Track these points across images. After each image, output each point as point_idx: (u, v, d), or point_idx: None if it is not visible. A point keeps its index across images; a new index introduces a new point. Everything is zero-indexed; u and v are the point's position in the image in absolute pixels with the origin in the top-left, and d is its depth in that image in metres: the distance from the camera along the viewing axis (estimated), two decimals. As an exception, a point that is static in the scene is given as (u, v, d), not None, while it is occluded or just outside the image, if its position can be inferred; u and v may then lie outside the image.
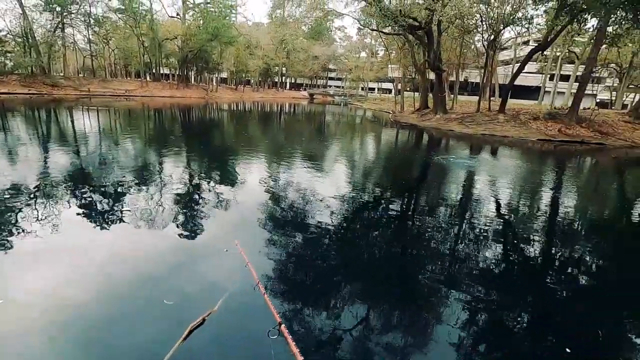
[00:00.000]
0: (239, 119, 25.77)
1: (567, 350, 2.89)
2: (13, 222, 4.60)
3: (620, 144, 18.36)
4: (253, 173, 8.29)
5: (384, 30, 26.97)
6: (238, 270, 3.71)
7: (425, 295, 3.60)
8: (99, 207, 5.36)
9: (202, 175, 7.97)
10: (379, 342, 2.82)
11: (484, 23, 23.60)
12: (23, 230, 4.34)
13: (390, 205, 6.67)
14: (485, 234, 5.31)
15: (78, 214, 5.00)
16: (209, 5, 45.50)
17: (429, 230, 5.42)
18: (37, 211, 4.99)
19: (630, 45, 27.24)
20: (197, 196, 6.21)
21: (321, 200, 6.29)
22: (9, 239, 4.12)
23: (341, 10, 39.21)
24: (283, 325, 2.70)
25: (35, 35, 36.69)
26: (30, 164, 7.84)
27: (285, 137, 17.44)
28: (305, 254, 4.33)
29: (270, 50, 59.75)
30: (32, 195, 5.63)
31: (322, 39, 71.77)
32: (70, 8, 37.70)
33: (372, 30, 30.08)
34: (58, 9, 36.42)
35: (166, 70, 53.34)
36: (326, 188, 7.20)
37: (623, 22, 18.96)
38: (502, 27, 22.86)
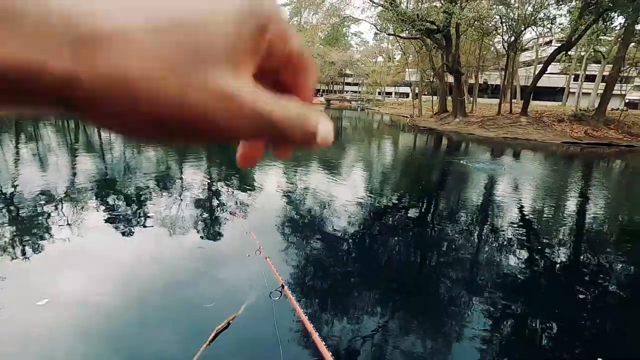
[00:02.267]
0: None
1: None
2: (42, 226, 4.82)
3: (653, 146, 17.56)
4: (271, 179, 8.38)
5: (401, 35, 26.89)
6: (261, 274, 3.76)
7: (445, 302, 3.54)
8: (124, 212, 5.55)
9: (223, 182, 8.12)
10: (407, 353, 2.79)
11: (503, 24, 23.19)
12: (57, 235, 4.54)
13: (410, 211, 6.60)
14: (507, 241, 5.17)
15: (105, 219, 5.19)
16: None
17: (448, 235, 5.33)
18: (66, 216, 5.21)
19: (660, 42, 26.10)
20: (218, 202, 6.33)
21: (341, 206, 6.29)
22: (42, 242, 4.32)
23: (358, 16, 39.38)
24: (286, 287, 2.65)
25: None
26: (61, 169, 8.21)
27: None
28: (326, 259, 4.34)
29: (287, 57, 60.46)
30: (63, 200, 5.89)
31: (338, 45, 72.21)
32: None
33: (389, 34, 30.04)
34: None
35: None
36: (346, 193, 7.20)
37: (653, 19, 18.24)
38: (523, 28, 22.40)
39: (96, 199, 6.16)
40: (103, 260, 3.99)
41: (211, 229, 5.07)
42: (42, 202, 5.79)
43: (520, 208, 6.92)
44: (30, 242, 4.33)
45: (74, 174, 7.99)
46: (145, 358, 2.64)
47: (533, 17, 21.07)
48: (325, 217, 5.79)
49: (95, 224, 4.98)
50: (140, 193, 6.58)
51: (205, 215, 5.57)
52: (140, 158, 10.41)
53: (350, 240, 4.87)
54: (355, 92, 78.52)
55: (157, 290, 3.43)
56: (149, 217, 5.33)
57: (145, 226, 4.99)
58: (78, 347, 2.70)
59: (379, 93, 68.94)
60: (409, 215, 6.34)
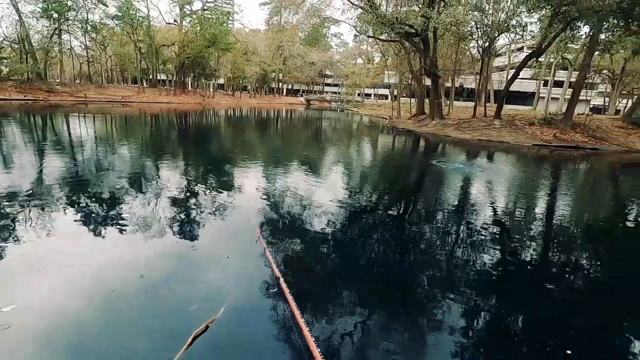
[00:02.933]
0: (236, 125, 25.80)
1: (568, 352, 2.90)
2: (11, 229, 4.56)
3: (614, 149, 18.57)
4: (251, 180, 8.28)
5: (380, 37, 27.22)
6: (240, 276, 3.70)
7: (420, 299, 3.60)
8: (98, 214, 5.33)
9: (200, 182, 7.95)
10: (380, 349, 2.81)
11: (478, 30, 23.91)
12: (24, 239, 4.30)
13: (388, 211, 6.69)
14: (481, 239, 5.33)
15: (78, 221, 4.97)
16: (206, 12, 45.82)
17: (425, 234, 5.44)
18: (35, 220, 4.95)
19: (622, 52, 27.72)
20: (196, 204, 6.19)
21: (319, 207, 6.29)
22: (8, 246, 4.08)
23: (338, 17, 39.57)
24: (282, 280, 2.61)
25: (32, 41, 36.70)
26: (26, 171, 7.79)
27: (282, 143, 17.47)
28: (304, 260, 4.32)
29: (267, 56, 60.08)
30: (30, 203, 5.59)
31: (318, 46, 72.37)
32: (67, 15, 37.72)
33: (369, 37, 30.33)
34: (55, 15, 36.43)
35: (163, 77, 53.38)
36: (324, 194, 7.21)
37: (615, 30, 19.31)
38: (496, 34, 23.16)
39: (71, 199, 5.89)
40: (77, 264, 3.82)
41: (192, 230, 4.95)
42: (12, 204, 5.48)
43: (493, 207, 7.15)
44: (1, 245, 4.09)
45: (41, 174, 7.61)
46: (118, 365, 2.54)
47: (506, 24, 21.84)
48: (301, 217, 5.78)
49: (68, 226, 4.75)
50: (116, 193, 6.35)
51: (188, 215, 5.43)
52: (114, 157, 10.05)
53: (327, 240, 4.88)
54: (335, 93, 78.89)
55: (137, 293, 3.31)
56: (123, 219, 5.14)
57: (121, 228, 4.81)
58: (45, 356, 2.57)
59: (359, 94, 69.56)
60: (388, 214, 6.41)
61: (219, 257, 4.15)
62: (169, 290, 3.40)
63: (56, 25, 37.67)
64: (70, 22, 39.22)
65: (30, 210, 5.22)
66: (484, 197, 8.08)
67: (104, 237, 4.53)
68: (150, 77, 49.45)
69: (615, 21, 18.22)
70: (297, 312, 2.96)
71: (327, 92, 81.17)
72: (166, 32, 46.19)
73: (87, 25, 40.27)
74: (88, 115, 22.80)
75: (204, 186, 7.42)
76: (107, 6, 40.37)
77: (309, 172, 9.53)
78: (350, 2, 23.75)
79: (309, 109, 56.85)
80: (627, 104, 37.83)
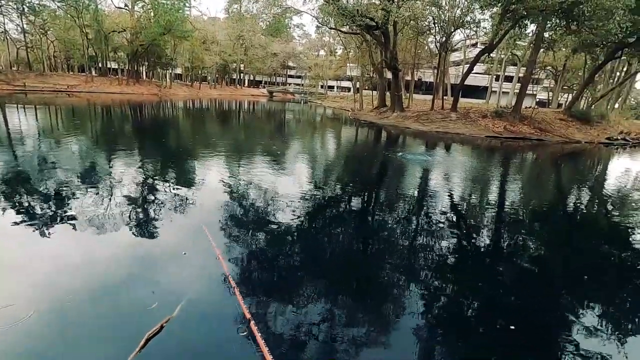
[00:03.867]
0: (195, 117, 24.83)
1: (512, 327, 3.12)
2: None
3: (557, 140, 20.13)
4: (211, 173, 8.02)
5: (342, 29, 27.29)
6: (197, 274, 3.59)
7: (388, 290, 3.71)
8: (42, 213, 4.91)
9: (158, 177, 7.57)
10: (346, 338, 2.85)
11: (436, 25, 24.73)
12: (-53, 241, 3.86)
13: (351, 202, 6.78)
14: (440, 225, 5.57)
15: (21, 222, 4.55)
16: (160, -3, 43.24)
17: (387, 223, 5.59)
18: (-35, 219, 4.46)
19: (564, 49, 29.93)
20: (152, 199, 5.90)
21: (282, 199, 6.24)
22: None
23: (299, 8, 39.17)
24: (252, 323, 2.62)
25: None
26: (-45, 167, 6.99)
27: (245, 135, 17.09)
28: (269, 253, 4.27)
29: (228, 46, 58.16)
30: (-43, 202, 5.02)
31: (280, 36, 71.16)
32: (-1, -6, 34.04)
33: (331, 28, 30.30)
34: (-15, -6, 32.74)
35: (114, 65, 49.92)
36: (287, 186, 7.16)
37: (557, 29, 20.78)
38: (452, 30, 24.08)
39: (11, 197, 5.36)
40: (22, 266, 3.49)
41: (150, 226, 4.70)
42: None
43: (449, 195, 7.49)
44: None
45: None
46: (63, 373, 2.36)
47: (461, 20, 22.77)
48: (265, 209, 5.70)
49: (10, 226, 4.33)
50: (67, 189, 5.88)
51: (145, 212, 5.15)
52: (59, 152, 9.31)
53: (285, 235, 4.86)
54: (298, 84, 78.29)
55: (87, 294, 3.09)
56: (71, 217, 4.78)
57: (69, 227, 4.47)
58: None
59: (322, 86, 69.56)
60: (350, 206, 6.50)
61: (174, 254, 3.99)
62: (122, 290, 3.21)
63: (-14, 6, 33.88)
64: (3, 2, 35.42)
65: (-43, 211, 4.69)
66: (441, 187, 8.44)
67: (50, 237, 4.18)
68: (100, 65, 46.08)
69: (557, 20, 19.60)
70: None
71: (290, 84, 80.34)
72: (116, 17, 43.07)
73: (24, 6, 36.57)
74: (28, 106, 20.85)
75: (158, 183, 7.07)
76: (47, -14, 36.90)
77: (271, 165, 9.41)
78: (312, -7, 23.52)
79: (272, 100, 56.00)
80: (567, 98, 41.10)
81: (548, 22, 19.95)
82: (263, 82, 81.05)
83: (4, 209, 4.88)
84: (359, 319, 3.11)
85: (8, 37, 42.12)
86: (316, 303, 3.28)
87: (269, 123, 23.72)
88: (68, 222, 4.61)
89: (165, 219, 4.98)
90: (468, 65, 26.47)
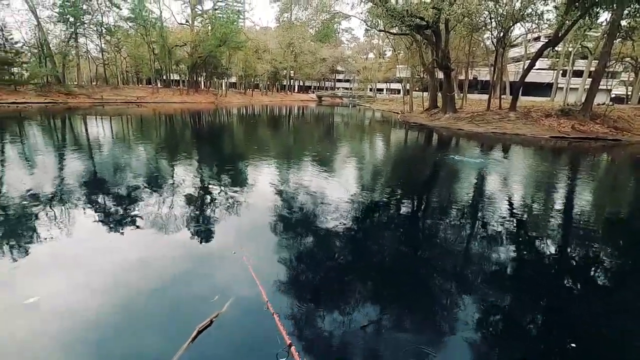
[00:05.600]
0: (248, 122, 25.97)
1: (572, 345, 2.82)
2: (31, 227, 4.72)
3: (637, 140, 17.87)
4: (263, 177, 8.32)
5: (391, 31, 26.89)
6: (245, 273, 3.74)
7: (440, 299, 3.56)
8: (115, 212, 5.47)
9: (214, 179, 8.05)
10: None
11: (492, 20, 23.36)
12: (42, 235, 4.45)
13: (401, 207, 6.62)
14: (495, 234, 5.23)
15: (92, 219, 5.11)
16: (217, 11, 46.15)
17: (440, 231, 5.36)
18: (54, 217, 5.11)
19: (645, 38, 26.55)
20: (208, 200, 6.28)
21: (330, 203, 6.28)
22: (28, 243, 4.23)
23: (348, 12, 39.40)
24: (293, 347, 2.64)
25: (50, 45, 37.73)
26: (47, 172, 8.04)
27: (295, 139, 17.50)
28: (317, 259, 4.33)
29: (278, 53, 60.18)
30: (49, 202, 5.77)
31: (329, 41, 71.97)
32: (83, 18, 38.65)
33: (379, 31, 30.02)
34: (71, 19, 37.37)
35: (176, 77, 54.16)
36: (336, 191, 7.19)
37: (637, 15, 18.52)
38: (511, 24, 22.57)
39: (88, 198, 6.06)
40: (93, 260, 3.93)
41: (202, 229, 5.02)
42: (31, 203, 5.68)
43: (509, 201, 6.99)
44: (20, 243, 4.24)
45: (72, 175, 7.84)
46: (127, 354, 2.60)
47: (521, 13, 21.23)
48: (313, 213, 5.78)
49: (85, 223, 4.90)
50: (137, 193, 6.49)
51: (198, 213, 5.52)
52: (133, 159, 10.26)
53: (337, 235, 4.87)
54: (347, 88, 78.45)
55: (146, 288, 3.38)
56: (138, 216, 5.26)
57: (135, 225, 4.92)
58: (56, 341, 2.66)
59: (370, 89, 68.97)
60: (401, 213, 6.35)
61: (226, 253, 4.20)
62: (178, 285, 3.46)
63: (72, 29, 38.63)
64: (86, 25, 40.15)
65: (50, 209, 5.39)
66: (499, 192, 7.91)
67: (119, 233, 4.64)
68: (164, 77, 50.26)
69: (637, 5, 17.48)
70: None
71: (338, 88, 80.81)
72: (178, 33, 46.80)
73: (102, 28, 41.18)
74: (105, 117, 23.35)
75: (216, 184, 7.51)
76: (120, 9, 41.22)
77: (320, 168, 9.51)
78: (360, -4, 23.49)
79: (321, 105, 56.75)
80: (651, 92, 36.27)
81: (625, 8, 17.84)
82: (312, 87, 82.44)
83: (77, 206, 5.51)
84: (407, 335, 3.03)
85: (89, 56, 47.57)
86: (361, 323, 3.25)
87: (317, 127, 24.05)
88: (133, 219, 5.07)
89: (220, 220, 5.27)
90: (529, 61, 24.59)
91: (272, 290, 3.41)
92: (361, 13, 26.12)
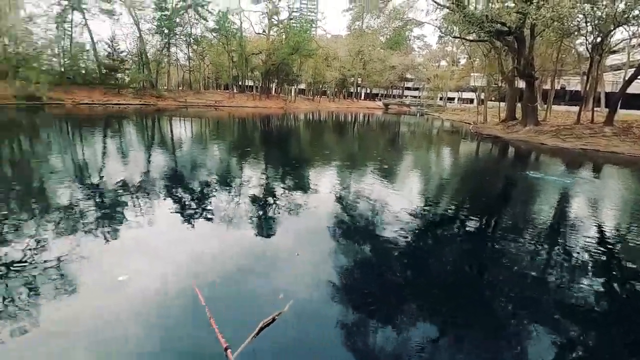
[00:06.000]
0: (314, 128, 26.64)
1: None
2: (120, 213, 5.40)
3: None
4: (325, 182, 8.47)
5: (467, 38, 25.59)
6: (308, 276, 3.83)
7: (503, 326, 3.28)
8: (187, 206, 6.01)
9: (280, 181, 8.40)
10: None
11: (588, 24, 20.90)
12: (128, 222, 5.06)
13: (469, 224, 6.23)
14: (576, 263, 4.64)
15: (169, 210, 5.67)
16: (292, 21, 48.33)
17: (510, 253, 4.92)
18: (139, 205, 5.78)
19: None
20: (274, 201, 6.57)
21: (391, 214, 6.16)
22: (116, 228, 4.85)
23: (421, 19, 38.30)
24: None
25: (148, 54, 42.93)
26: (137, 165, 9.13)
27: (360, 146, 17.50)
28: (375, 269, 4.27)
29: (347, 61, 60.86)
30: (136, 192, 6.55)
31: (399, 49, 70.79)
32: (175, 30, 43.29)
33: (454, 37, 28.73)
34: (166, 31, 42.07)
35: (250, 83, 57.79)
36: (398, 203, 7.03)
37: None
38: (612, 28, 19.99)
39: (169, 190, 6.76)
40: (176, 247, 4.37)
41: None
42: (122, 192, 6.50)
43: (598, 228, 6.17)
44: (110, 227, 4.89)
45: (149, 168, 8.83)
46: (195, 337, 2.82)
47: (625, 15, 18.67)
48: (375, 223, 5.71)
49: (163, 213, 5.46)
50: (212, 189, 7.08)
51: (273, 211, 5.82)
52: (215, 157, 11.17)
53: (397, 247, 4.75)
54: (415, 97, 76.30)
55: (213, 279, 3.66)
56: (209, 212, 5.71)
57: (207, 220, 5.35)
58: (141, 314, 2.99)
59: (440, 98, 66.15)
60: (469, 231, 5.98)
61: (286, 254, 4.34)
62: (248, 279, 3.68)
63: (166, 40, 43.43)
64: (177, 36, 44.87)
65: (136, 199, 6.11)
66: (587, 217, 7.02)
67: (191, 225, 5.09)
68: (240, 83, 53.92)
69: None
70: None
71: (406, 96, 78.96)
72: (255, 42, 49.97)
73: (191, 38, 45.63)
74: (187, 118, 25.79)
75: (281, 185, 7.83)
76: (207, 21, 45.25)
77: (384, 178, 9.38)
78: (436, 3, 22.82)
79: (387, 113, 56.01)
80: None
81: None
82: (379, 94, 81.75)
83: (158, 197, 6.15)
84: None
85: (178, 63, 52.96)
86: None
87: (383, 135, 23.75)
88: (206, 214, 5.51)
89: (285, 221, 5.49)
90: (633, 70, 21.51)
91: (327, 293, 3.45)
92: (435, 20, 25.22)
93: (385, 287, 3.82)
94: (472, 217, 6.56)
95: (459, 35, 25.73)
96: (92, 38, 37.28)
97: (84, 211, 5.36)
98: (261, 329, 2.84)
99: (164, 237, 4.70)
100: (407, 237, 5.12)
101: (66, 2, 34.17)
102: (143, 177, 7.75)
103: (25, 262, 3.79)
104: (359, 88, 76.89)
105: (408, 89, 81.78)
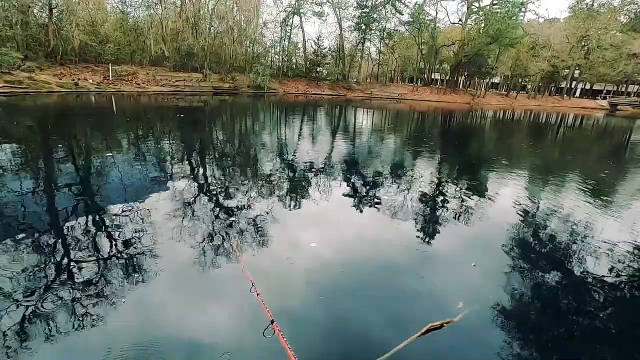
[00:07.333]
0: (502, 129, 23.37)
1: None
2: (304, 189, 6.27)
3: None
4: (507, 190, 7.30)
5: None
6: (486, 289, 3.48)
7: None
8: (359, 191, 6.41)
9: (452, 183, 7.87)
10: None
11: None
12: (309, 197, 5.84)
13: None
14: None
15: (342, 193, 6.21)
16: (495, 6, 43.09)
17: None
18: (318, 184, 6.56)
19: None
20: (445, 203, 6.22)
21: (598, 247, 4.80)
22: (300, 201, 5.67)
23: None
24: None
25: (345, 50, 47.38)
26: (322, 149, 10.36)
27: (558, 165, 14.32)
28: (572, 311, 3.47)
29: (563, 50, 49.86)
30: (320, 172, 7.45)
31: (648, 31, 52.61)
32: (372, 26, 45.89)
33: None
34: (363, 27, 45.16)
35: (437, 76, 55.53)
36: (616, 234, 5.42)
37: None
38: None
39: (344, 175, 7.42)
40: (330, 228, 4.82)
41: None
42: (307, 170, 7.55)
43: None
44: (295, 200, 5.80)
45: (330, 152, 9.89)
46: (358, 324, 3.02)
47: None
48: (566, 256, 4.59)
49: (336, 195, 6.04)
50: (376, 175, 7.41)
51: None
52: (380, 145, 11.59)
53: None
54: (666, 96, 55.69)
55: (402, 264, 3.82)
56: (376, 201, 5.93)
57: (373, 209, 5.60)
58: (328, 276, 3.43)
59: None
60: None
61: (464, 264, 4.05)
62: (424, 277, 3.68)
63: (363, 36, 46.65)
64: (372, 32, 47.48)
65: (316, 178, 6.96)
66: None
67: (360, 211, 5.43)
68: (425, 76, 52.62)
69: None
70: None
71: (649, 95, 58.63)
72: (449, 33, 47.32)
73: (385, 33, 47.40)
74: (370, 110, 27.29)
75: (451, 188, 7.31)
76: (403, 15, 45.78)
77: (592, 203, 7.39)
78: None
79: (613, 116, 43.07)
80: None
81: None
82: (604, 91, 63.92)
83: (334, 178, 6.76)
84: None
85: (370, 58, 56.20)
86: None
87: (602, 149, 18.58)
88: (375, 206, 5.73)
89: (456, 226, 5.14)
90: None
91: (503, 313, 3.02)
92: None
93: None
94: None
95: None
96: (304, 37, 44.32)
97: (280, 182, 6.59)
98: (428, 330, 2.78)
99: (340, 215, 5.20)
100: (619, 278, 3.90)
101: (290, 9, 41.65)
102: (325, 160, 8.76)
103: (238, 215, 4.96)
104: (573, 83, 62.07)
105: (654, 85, 60.45)
